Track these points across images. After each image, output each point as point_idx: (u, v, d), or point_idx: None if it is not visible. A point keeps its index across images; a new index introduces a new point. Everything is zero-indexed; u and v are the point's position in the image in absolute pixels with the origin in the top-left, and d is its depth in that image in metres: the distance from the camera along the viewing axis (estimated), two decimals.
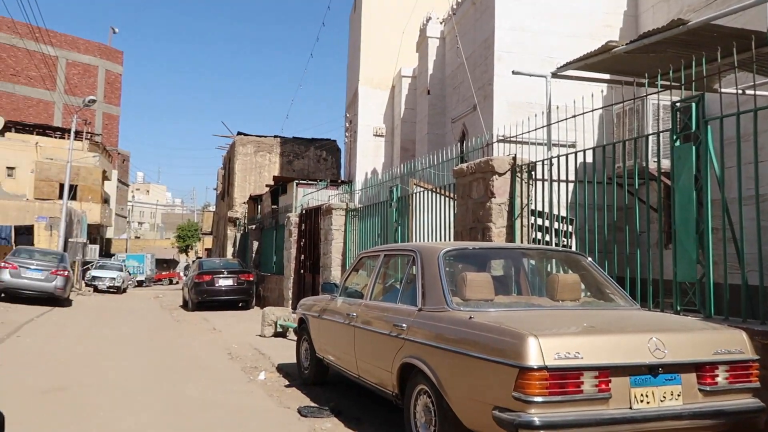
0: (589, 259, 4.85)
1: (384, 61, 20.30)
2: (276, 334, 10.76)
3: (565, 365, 3.04)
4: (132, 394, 6.12)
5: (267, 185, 24.19)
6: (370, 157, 20.65)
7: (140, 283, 40.02)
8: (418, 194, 9.30)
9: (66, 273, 16.96)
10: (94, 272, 28.03)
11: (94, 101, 25.58)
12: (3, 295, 16.03)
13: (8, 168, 32.11)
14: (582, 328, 3.51)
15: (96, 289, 26.79)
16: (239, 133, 29.91)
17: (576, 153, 6.13)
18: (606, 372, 3.12)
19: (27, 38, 33.68)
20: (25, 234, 25.79)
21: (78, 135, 31.27)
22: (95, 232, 36.85)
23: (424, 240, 8.99)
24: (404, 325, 4.27)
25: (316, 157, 29.74)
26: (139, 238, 71.48)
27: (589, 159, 6.01)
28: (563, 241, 6.80)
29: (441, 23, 17.18)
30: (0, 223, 25.99)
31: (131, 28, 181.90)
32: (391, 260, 5.60)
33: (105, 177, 38.14)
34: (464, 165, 7.48)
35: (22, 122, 38.06)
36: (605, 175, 5.80)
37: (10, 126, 35.26)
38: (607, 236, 5.74)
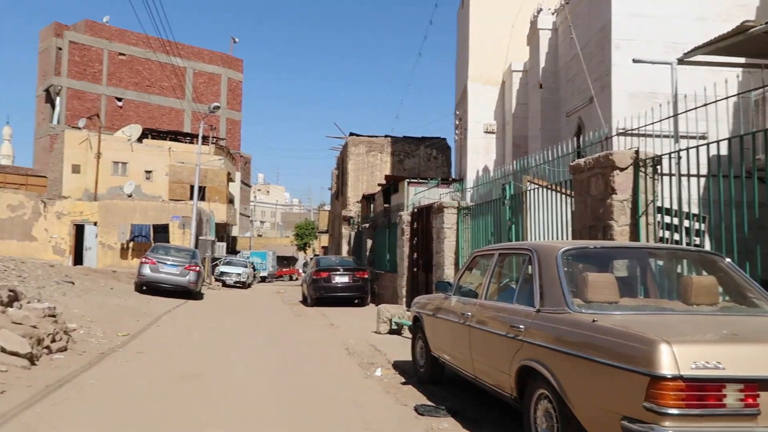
0: (728, 259, 4.47)
1: (493, 56, 19.95)
2: (391, 331, 10.94)
3: (703, 375, 2.83)
4: (257, 383, 6.49)
5: (379, 184, 24.62)
6: (481, 155, 20.39)
7: (263, 279, 42.26)
8: (532, 191, 9.05)
9: (198, 268, 18.30)
10: (222, 268, 29.97)
11: (218, 108, 27.34)
12: (145, 288, 17.59)
13: (146, 171, 35.14)
14: (722, 336, 3.25)
15: (224, 284, 28.63)
16: (351, 134, 30.68)
17: (708, 145, 5.68)
18: (753, 385, 2.87)
19: (159, 52, 36.64)
20: (162, 232, 28.12)
21: (205, 140, 33.58)
22: (222, 231, 39.38)
23: (539, 239, 8.74)
24: (521, 326, 4.19)
25: (427, 156, 29.83)
26: (261, 236, 75.49)
27: (723, 151, 5.55)
28: (694, 240, 6.33)
29: (552, 14, 16.59)
30: (140, 222, 28.51)
31: (249, 36, 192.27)
32: (506, 259, 5.51)
33: (229, 178, 40.63)
34: (581, 160, 7.18)
35: (157, 129, 41.50)
36: (743, 169, 5.33)
37: (147, 133, 38.57)
38: (747, 235, 5.27)
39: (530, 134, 17.55)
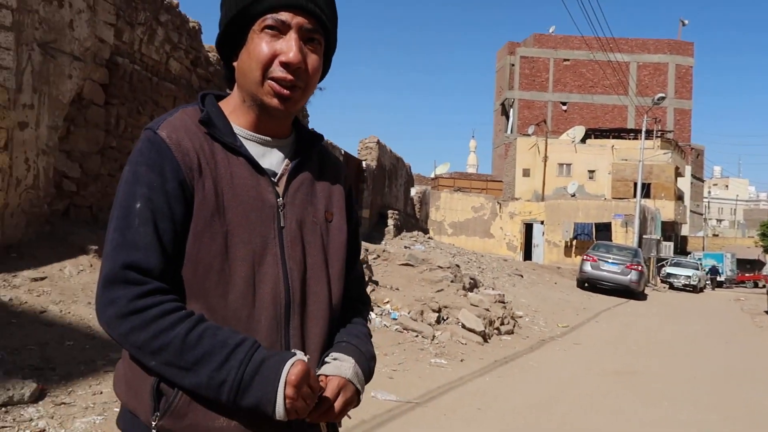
0: None
1: None
2: None
3: None
4: (698, 391, 5.99)
5: None
6: None
7: (719, 284, 37.87)
8: None
9: (640, 268, 17.74)
10: (668, 269, 28.19)
11: (663, 98, 25.83)
12: (586, 284, 18.04)
13: (589, 171, 35.90)
14: None
15: (671, 286, 26.88)
16: None
17: None
18: None
19: (600, 51, 36.91)
20: (603, 230, 28.26)
21: (648, 134, 32.21)
22: (669, 230, 37.02)
23: None
24: None
25: None
26: (717, 236, 67.72)
27: None
28: None
29: None
30: (583, 220, 29.31)
31: (699, 15, 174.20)
32: None
33: (677, 173, 37.88)
34: None
35: (599, 128, 41.90)
36: None
37: (589, 133, 39.37)
38: None
39: None
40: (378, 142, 17.54)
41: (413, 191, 23.99)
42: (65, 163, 6.01)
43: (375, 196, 17.39)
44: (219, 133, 1.14)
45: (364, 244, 10.54)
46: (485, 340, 7.58)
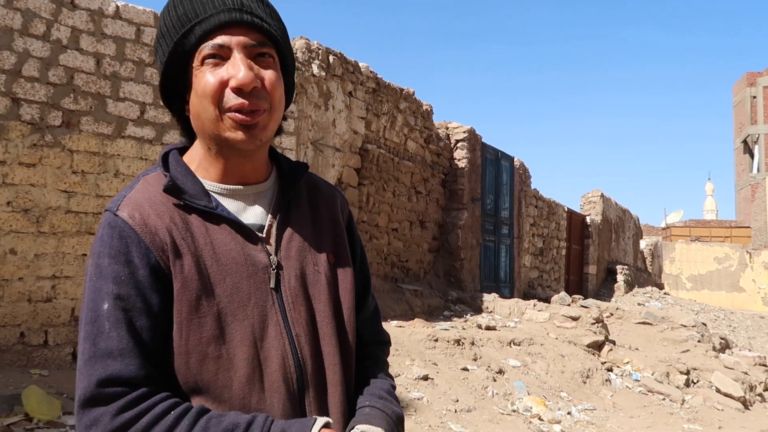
0: None
1: None
2: None
3: None
4: None
5: None
6: None
7: None
8: None
9: None
10: None
11: None
12: None
13: None
14: None
15: None
16: None
17: None
18: None
19: None
20: None
21: None
22: None
23: None
24: None
25: None
26: None
27: None
28: None
29: None
30: None
31: None
32: None
33: None
34: None
35: None
36: None
37: None
38: None
39: None
40: (602, 196, 17.06)
41: (643, 244, 22.60)
42: None
43: (602, 252, 16.80)
44: (190, 198, 0.97)
45: (595, 302, 10.33)
46: (746, 407, 6.89)
